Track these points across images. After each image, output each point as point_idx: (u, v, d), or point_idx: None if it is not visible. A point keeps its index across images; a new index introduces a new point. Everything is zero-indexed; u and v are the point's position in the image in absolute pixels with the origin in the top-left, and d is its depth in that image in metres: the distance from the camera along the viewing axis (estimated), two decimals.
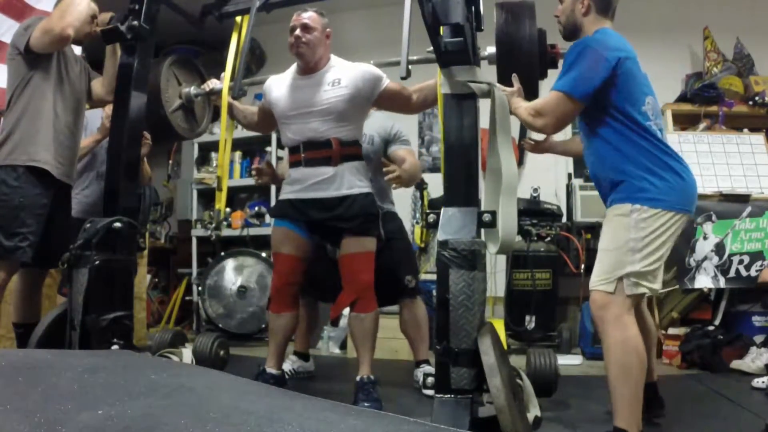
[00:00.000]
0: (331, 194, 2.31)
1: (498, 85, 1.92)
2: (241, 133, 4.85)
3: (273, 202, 4.44)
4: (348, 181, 2.32)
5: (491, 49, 2.03)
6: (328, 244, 2.52)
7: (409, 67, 1.62)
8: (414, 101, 2.39)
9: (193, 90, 2.65)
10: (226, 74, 2.49)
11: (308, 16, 2.36)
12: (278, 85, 2.46)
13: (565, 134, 4.35)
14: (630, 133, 1.84)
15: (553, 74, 2.06)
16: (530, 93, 2.03)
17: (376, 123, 2.79)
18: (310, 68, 2.38)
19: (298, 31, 2.33)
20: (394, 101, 2.42)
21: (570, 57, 1.88)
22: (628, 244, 1.80)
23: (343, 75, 2.34)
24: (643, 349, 1.77)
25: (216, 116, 2.72)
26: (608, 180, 1.91)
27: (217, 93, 2.55)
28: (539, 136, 2.39)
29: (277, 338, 2.42)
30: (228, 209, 4.71)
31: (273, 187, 4.49)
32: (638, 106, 1.85)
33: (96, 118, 2.93)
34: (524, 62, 2.02)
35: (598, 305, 1.83)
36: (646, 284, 1.80)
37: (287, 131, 2.42)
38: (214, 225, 2.47)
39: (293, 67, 2.47)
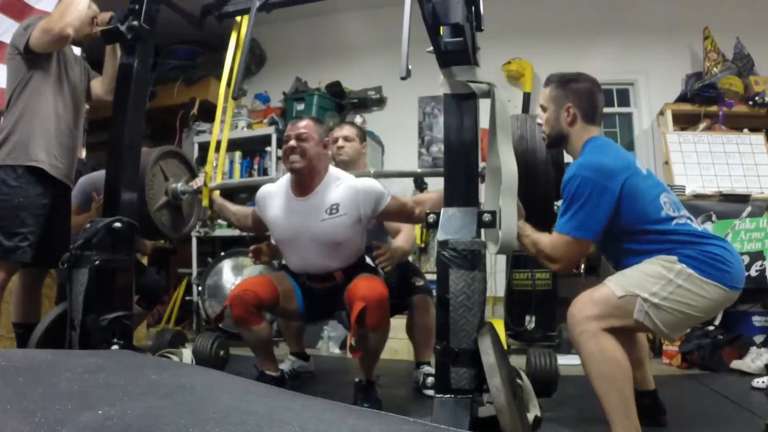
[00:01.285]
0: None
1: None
2: (241, 132, 4.87)
3: None
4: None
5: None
6: (339, 312, 2.46)
7: (410, 67, 1.63)
8: (418, 215, 2.27)
9: (180, 186, 2.51)
10: (221, 87, 2.44)
11: (303, 125, 2.24)
12: (273, 204, 2.33)
13: None
14: (660, 240, 1.74)
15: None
16: (544, 212, 2.01)
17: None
18: (305, 187, 2.24)
19: (292, 143, 2.20)
20: (396, 217, 2.35)
21: (569, 190, 1.77)
22: (661, 278, 1.69)
23: (341, 198, 2.20)
24: (622, 356, 1.68)
25: (203, 217, 2.54)
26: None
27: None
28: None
29: (261, 347, 2.38)
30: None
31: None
32: (656, 214, 1.76)
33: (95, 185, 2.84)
34: (541, 182, 2.02)
35: (584, 314, 1.71)
36: (657, 321, 1.68)
37: (287, 254, 2.39)
38: (200, 223, 2.45)
39: (287, 180, 2.32)
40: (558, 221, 1.82)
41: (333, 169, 2.31)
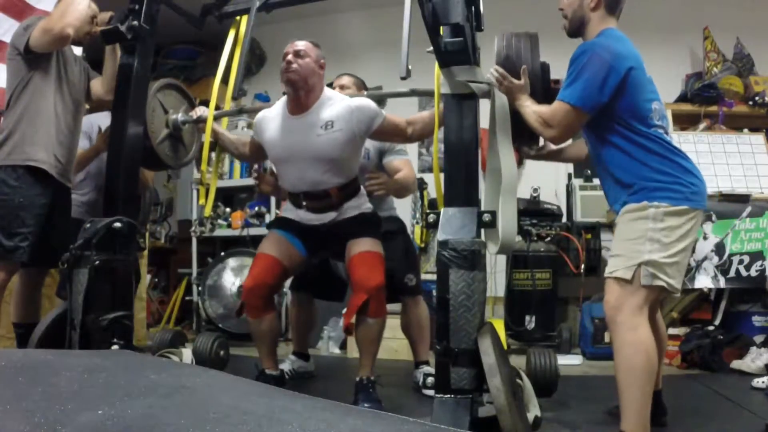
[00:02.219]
0: (334, 221, 2.34)
1: (501, 70, 1.92)
2: (242, 132, 4.86)
3: (273, 202, 4.44)
4: (350, 211, 2.34)
5: (491, 76, 1.99)
6: (336, 261, 2.48)
7: (410, 67, 1.63)
8: (410, 134, 2.34)
9: (180, 117, 2.55)
10: (215, 85, 2.46)
11: (302, 43, 2.29)
12: (269, 126, 2.37)
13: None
14: (638, 137, 1.82)
15: None
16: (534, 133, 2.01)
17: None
18: (301, 104, 2.28)
19: (289, 57, 2.25)
20: (390, 135, 2.38)
21: (577, 62, 1.83)
22: (647, 234, 1.77)
23: (336, 116, 2.24)
24: (654, 352, 1.73)
25: (202, 223, 2.60)
26: (619, 184, 1.89)
27: (205, 120, 2.49)
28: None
29: (265, 342, 2.39)
30: (228, 209, 4.71)
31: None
32: (645, 113, 1.83)
33: (94, 125, 2.89)
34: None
35: (611, 305, 1.80)
36: (663, 278, 1.76)
37: (283, 174, 2.40)
38: (197, 221, 2.46)
39: (283, 103, 2.37)
40: (561, 91, 1.86)
41: (328, 90, 2.36)
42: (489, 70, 1.97)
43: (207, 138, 2.46)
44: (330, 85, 2.47)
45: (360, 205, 2.39)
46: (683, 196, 1.79)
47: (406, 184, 2.69)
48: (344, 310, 2.42)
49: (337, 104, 2.28)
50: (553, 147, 2.29)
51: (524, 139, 2.15)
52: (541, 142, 2.31)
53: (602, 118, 1.85)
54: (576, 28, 2.00)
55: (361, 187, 2.43)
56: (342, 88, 2.72)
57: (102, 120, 2.81)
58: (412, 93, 2.32)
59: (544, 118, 1.87)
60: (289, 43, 2.32)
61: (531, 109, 1.91)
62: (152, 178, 3.26)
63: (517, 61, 2.00)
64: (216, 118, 2.52)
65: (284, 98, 2.37)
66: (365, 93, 2.48)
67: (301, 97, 2.27)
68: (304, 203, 2.35)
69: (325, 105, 2.29)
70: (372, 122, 2.26)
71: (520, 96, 1.93)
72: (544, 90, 2.02)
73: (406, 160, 2.82)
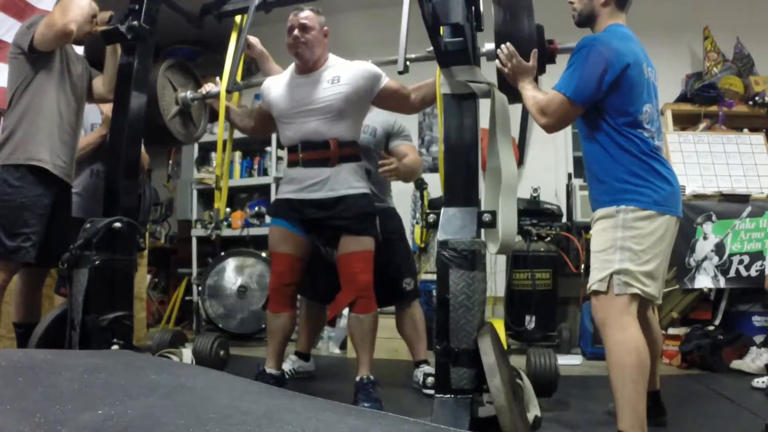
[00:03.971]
0: (328, 195, 2.31)
1: (510, 47, 1.92)
2: (242, 133, 4.87)
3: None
4: (345, 181, 2.32)
5: (489, 46, 2.01)
6: (326, 247, 2.48)
7: (407, 63, 1.63)
8: (412, 100, 2.38)
9: (189, 94, 2.64)
10: (224, 74, 2.49)
11: (305, 15, 2.36)
12: (276, 85, 2.45)
13: (565, 132, 4.37)
14: (619, 137, 1.83)
15: (550, 69, 2.05)
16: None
17: (380, 116, 2.78)
18: (308, 67, 2.38)
19: (296, 32, 2.33)
20: (393, 100, 2.41)
21: (577, 55, 1.85)
22: (615, 243, 1.79)
23: (342, 73, 2.34)
24: (644, 350, 1.74)
25: (213, 118, 2.71)
26: (595, 180, 1.92)
27: (214, 96, 2.56)
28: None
29: (277, 338, 2.41)
30: (228, 209, 4.71)
31: (273, 187, 4.49)
32: (634, 114, 1.83)
33: (92, 114, 2.90)
34: (523, 58, 2.00)
35: (597, 310, 1.83)
36: (637, 285, 1.77)
37: (286, 130, 2.42)
38: (213, 224, 2.47)
39: (291, 67, 2.46)
40: (559, 80, 1.88)
41: (333, 56, 2.45)
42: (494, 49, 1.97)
43: (222, 111, 2.51)
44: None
45: (357, 185, 2.36)
46: (651, 200, 1.79)
47: (415, 168, 2.74)
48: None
49: (343, 65, 2.40)
50: None
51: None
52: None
53: (593, 112, 1.87)
54: (584, 21, 2.02)
55: (361, 168, 2.42)
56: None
57: (90, 115, 2.85)
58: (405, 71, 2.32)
59: (540, 106, 1.89)
60: (292, 14, 2.39)
61: (531, 93, 1.93)
62: (147, 162, 3.24)
63: (513, 25, 1.99)
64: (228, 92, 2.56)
65: (292, 65, 2.45)
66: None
67: (309, 62, 2.37)
68: (302, 155, 2.35)
69: (331, 66, 2.40)
70: (376, 82, 2.34)
71: (524, 78, 1.94)
72: (540, 52, 2.01)
73: (412, 145, 2.88)
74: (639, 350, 1.73)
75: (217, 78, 2.56)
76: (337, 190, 2.31)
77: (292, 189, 2.38)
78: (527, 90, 1.93)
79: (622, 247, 1.78)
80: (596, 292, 1.82)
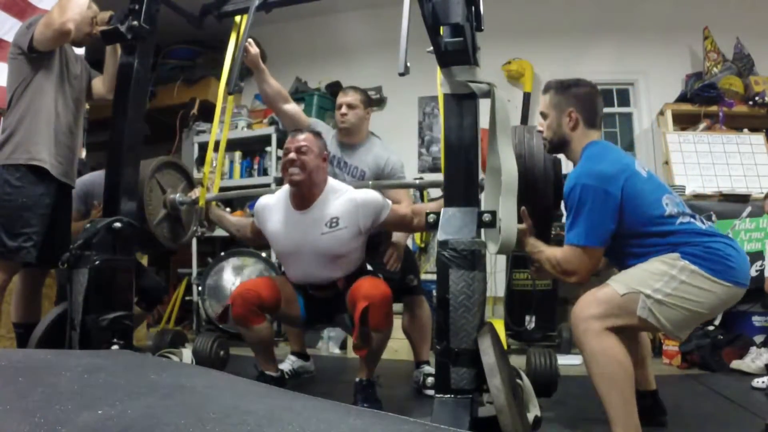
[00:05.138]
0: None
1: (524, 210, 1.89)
2: (241, 132, 4.87)
3: None
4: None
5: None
6: (337, 316, 2.42)
7: (408, 64, 1.62)
8: (415, 225, 2.29)
9: (179, 198, 2.51)
10: (223, 76, 2.45)
11: (303, 138, 2.24)
12: (272, 217, 2.32)
13: None
14: (662, 243, 1.75)
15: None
16: (544, 225, 2.01)
17: (369, 156, 2.72)
18: (305, 200, 2.24)
19: (291, 155, 2.19)
20: (395, 226, 2.38)
21: (571, 199, 1.79)
22: (664, 275, 1.70)
23: (341, 212, 2.20)
24: (624, 356, 1.69)
25: (201, 224, 2.53)
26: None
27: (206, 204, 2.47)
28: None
29: (261, 347, 2.36)
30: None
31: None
32: (658, 214, 1.77)
33: (87, 188, 2.84)
34: (540, 195, 2.01)
35: (587, 313, 1.71)
36: (660, 318, 1.68)
37: (288, 267, 2.38)
38: (198, 222, 2.45)
39: (285, 194, 2.32)
40: (566, 234, 1.81)
41: (332, 181, 2.32)
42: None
43: (205, 173, 2.48)
44: (334, 95, 2.43)
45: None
46: (720, 269, 1.70)
47: (409, 232, 2.73)
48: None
49: (341, 198, 2.23)
50: None
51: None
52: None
53: (616, 241, 1.80)
54: (557, 147, 1.99)
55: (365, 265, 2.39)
56: (349, 107, 2.70)
57: (96, 186, 2.74)
58: (419, 185, 2.39)
59: (563, 267, 1.81)
60: (290, 136, 2.27)
61: (545, 256, 1.86)
62: None
63: (529, 159, 2.00)
64: (214, 200, 2.52)
65: (286, 188, 2.32)
66: (370, 184, 2.41)
67: (305, 193, 2.23)
68: (310, 291, 2.36)
69: (329, 199, 2.24)
70: (378, 217, 2.22)
71: (531, 241, 1.89)
72: (555, 186, 2.01)
73: (404, 191, 2.77)
74: (619, 359, 1.68)
75: (211, 177, 2.52)
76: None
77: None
78: (542, 256, 1.86)
79: (668, 280, 1.69)
80: (610, 288, 1.74)
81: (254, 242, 2.63)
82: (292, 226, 2.26)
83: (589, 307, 1.72)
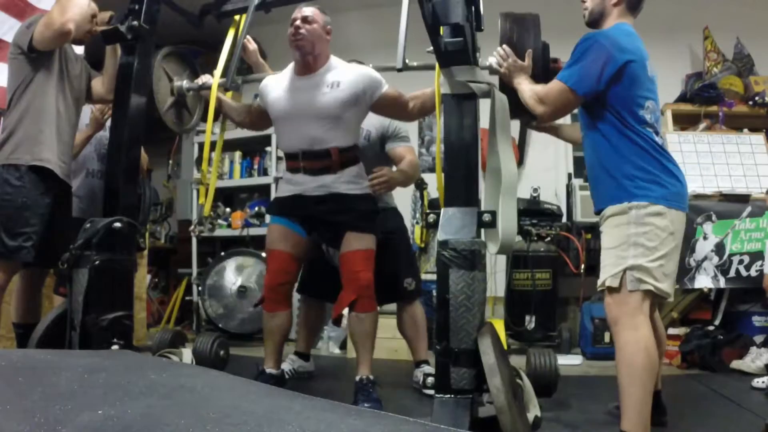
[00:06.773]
0: (331, 191, 2.32)
1: (507, 49, 1.96)
2: (242, 132, 4.85)
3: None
4: (347, 185, 2.32)
5: (493, 59, 2.03)
6: (328, 248, 2.48)
7: (407, 61, 1.63)
8: (411, 108, 2.37)
9: (185, 84, 2.60)
10: (218, 69, 2.47)
11: (309, 10, 2.34)
12: (275, 86, 2.41)
13: (564, 120, 4.37)
14: (626, 130, 1.84)
15: None
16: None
17: (374, 118, 2.72)
18: (308, 66, 2.33)
19: (297, 22, 2.30)
20: (391, 107, 2.40)
21: (580, 48, 1.86)
22: (629, 239, 1.79)
23: (342, 77, 2.30)
24: (654, 350, 1.74)
25: (207, 112, 2.60)
26: (605, 174, 1.90)
27: (209, 87, 2.52)
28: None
29: (274, 338, 2.41)
30: (228, 209, 4.71)
31: (273, 187, 4.49)
32: (637, 109, 1.84)
33: (85, 116, 2.87)
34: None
35: (610, 308, 1.82)
36: (650, 281, 1.76)
37: (285, 135, 2.41)
38: (197, 221, 2.45)
39: (290, 67, 2.42)
40: (561, 72, 1.90)
41: (334, 58, 2.40)
42: (493, 52, 2.00)
43: (212, 107, 2.47)
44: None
45: (359, 186, 2.37)
46: (661, 196, 1.80)
47: (411, 173, 2.72)
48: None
49: (343, 68, 2.35)
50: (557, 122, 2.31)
51: (525, 115, 2.15)
52: None
53: (596, 104, 1.88)
54: (595, 20, 2.02)
55: (362, 169, 2.41)
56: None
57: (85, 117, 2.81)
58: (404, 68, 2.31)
59: (539, 95, 1.90)
60: (297, 8, 2.36)
61: (527, 86, 1.95)
62: (147, 162, 3.23)
63: (518, 41, 2.03)
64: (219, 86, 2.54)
65: (291, 64, 2.41)
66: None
67: (309, 60, 2.32)
68: (302, 164, 2.34)
69: (331, 69, 2.35)
70: (376, 89, 2.31)
71: (519, 75, 1.97)
72: (544, 69, 2.04)
73: (409, 147, 2.82)
74: (649, 351, 1.72)
75: (207, 75, 2.55)
76: (339, 190, 2.31)
77: (293, 189, 2.38)
78: (523, 84, 1.95)
79: (635, 243, 1.78)
80: (610, 289, 1.81)
81: (254, 126, 2.67)
82: (294, 90, 2.34)
83: (619, 317, 1.80)
